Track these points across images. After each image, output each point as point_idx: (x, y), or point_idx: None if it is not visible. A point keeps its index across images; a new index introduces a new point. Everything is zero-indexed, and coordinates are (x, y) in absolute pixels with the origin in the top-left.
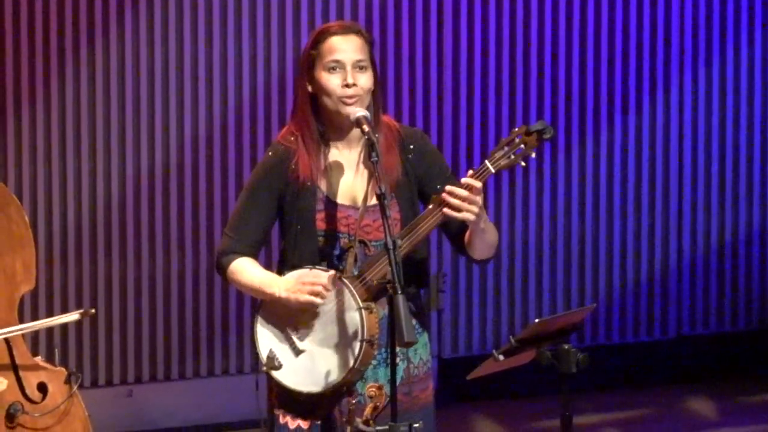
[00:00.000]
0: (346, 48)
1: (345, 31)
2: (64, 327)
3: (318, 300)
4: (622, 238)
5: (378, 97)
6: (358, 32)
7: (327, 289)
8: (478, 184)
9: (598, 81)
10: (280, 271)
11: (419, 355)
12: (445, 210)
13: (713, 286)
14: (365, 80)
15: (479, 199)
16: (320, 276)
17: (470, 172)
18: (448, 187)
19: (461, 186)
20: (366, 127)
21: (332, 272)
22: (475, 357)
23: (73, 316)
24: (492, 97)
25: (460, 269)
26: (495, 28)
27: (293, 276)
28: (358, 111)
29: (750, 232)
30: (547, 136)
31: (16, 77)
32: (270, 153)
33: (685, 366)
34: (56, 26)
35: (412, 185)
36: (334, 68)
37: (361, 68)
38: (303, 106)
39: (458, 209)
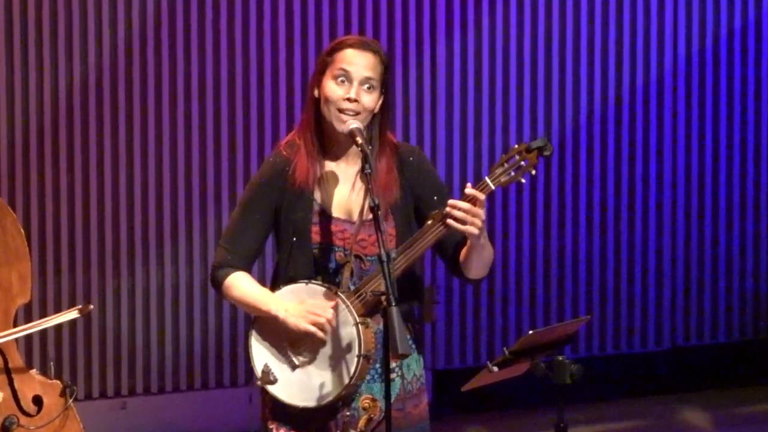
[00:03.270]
0: (358, 62)
1: (363, 46)
2: (59, 339)
3: (319, 333)
4: (615, 250)
5: (385, 120)
6: (375, 51)
7: (331, 324)
8: (482, 196)
9: (591, 92)
10: (275, 285)
11: (412, 370)
12: (449, 221)
13: (707, 297)
14: (369, 100)
15: (482, 212)
16: (326, 309)
17: (470, 187)
18: (451, 201)
19: (465, 198)
20: (359, 139)
21: (333, 303)
22: (469, 368)
23: (72, 314)
24: (486, 110)
25: (454, 281)
26: (488, 40)
27: (289, 292)
28: (352, 123)
29: (744, 244)
30: (547, 153)
31: (9, 84)
32: (268, 164)
33: (679, 377)
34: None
35: (409, 203)
36: (342, 79)
37: (369, 87)
38: (308, 111)
39: (462, 221)
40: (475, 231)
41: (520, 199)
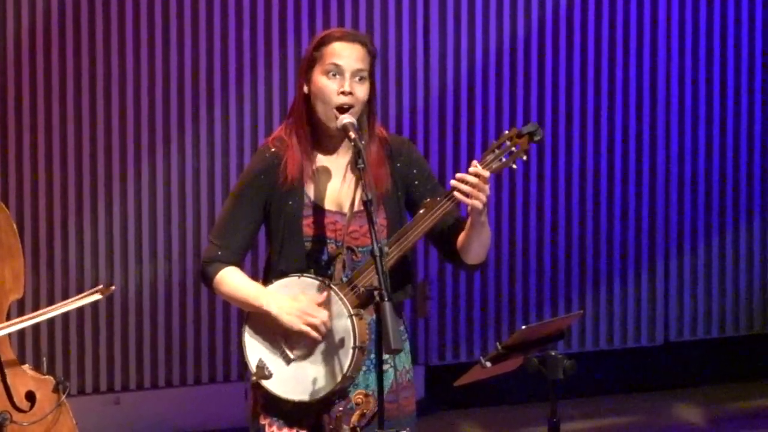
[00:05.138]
0: (348, 55)
1: (350, 38)
2: (51, 334)
3: (314, 334)
4: (608, 245)
5: (373, 110)
6: (363, 43)
7: (326, 326)
8: (486, 174)
9: (585, 83)
10: (267, 279)
11: (403, 363)
12: (456, 194)
13: (700, 292)
14: (362, 91)
15: (487, 187)
16: (321, 310)
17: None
18: (459, 175)
19: (471, 174)
20: (352, 134)
21: (328, 313)
22: (462, 364)
23: (94, 296)
24: (479, 102)
25: (447, 276)
26: (482, 32)
27: (281, 286)
28: (344, 118)
29: (737, 239)
30: (537, 138)
31: (2, 84)
32: (258, 158)
33: (672, 372)
34: (57, 42)
35: (400, 194)
36: (333, 73)
37: (360, 79)
38: (298, 107)
39: (468, 195)
40: (480, 205)
41: (513, 193)
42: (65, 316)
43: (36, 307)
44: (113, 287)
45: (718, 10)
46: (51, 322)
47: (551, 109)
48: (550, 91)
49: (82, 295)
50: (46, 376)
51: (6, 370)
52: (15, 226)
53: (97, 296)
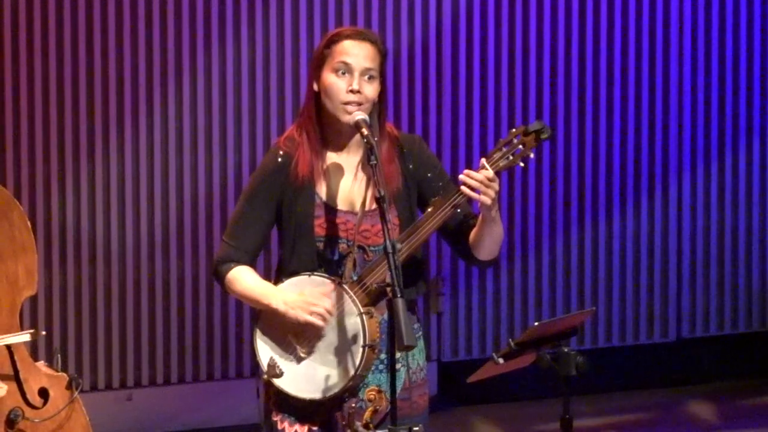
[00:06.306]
0: (357, 53)
1: (360, 37)
2: (64, 331)
3: (319, 322)
4: (621, 241)
5: (384, 109)
6: (373, 41)
7: (330, 314)
8: (491, 173)
9: (597, 80)
10: (279, 278)
11: (416, 360)
12: (463, 189)
13: (713, 288)
14: (371, 90)
15: (496, 185)
16: (324, 298)
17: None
18: (466, 171)
19: (480, 171)
20: (365, 130)
21: (332, 302)
22: (475, 360)
23: (23, 337)
24: (491, 100)
25: (460, 272)
26: (494, 30)
27: (291, 285)
28: (357, 114)
29: (749, 234)
30: (544, 135)
31: (14, 75)
32: (269, 158)
33: (684, 369)
34: (56, 26)
35: (411, 192)
36: (342, 71)
37: (370, 78)
38: (308, 105)
39: (476, 190)
40: (488, 201)
41: (525, 190)
42: (79, 313)
43: (49, 305)
44: (43, 332)
45: None
46: (64, 319)
47: (563, 106)
48: (563, 89)
49: (13, 334)
50: (59, 373)
51: (19, 367)
52: (29, 222)
53: (27, 337)
